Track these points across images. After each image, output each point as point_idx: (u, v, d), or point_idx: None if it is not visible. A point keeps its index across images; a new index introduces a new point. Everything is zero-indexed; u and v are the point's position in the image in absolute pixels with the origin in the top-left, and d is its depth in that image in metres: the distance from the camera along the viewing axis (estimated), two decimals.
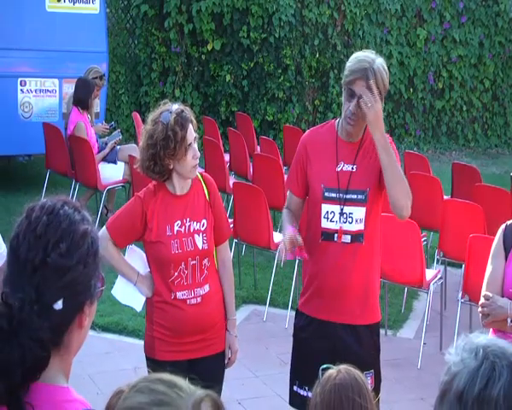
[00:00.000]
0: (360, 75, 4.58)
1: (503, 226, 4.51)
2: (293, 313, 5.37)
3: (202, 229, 4.73)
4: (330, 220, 4.77)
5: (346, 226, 4.75)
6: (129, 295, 4.87)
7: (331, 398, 3.00)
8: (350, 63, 4.71)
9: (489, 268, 4.45)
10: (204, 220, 4.75)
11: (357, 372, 3.10)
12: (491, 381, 1.78)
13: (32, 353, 2.00)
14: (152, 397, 1.63)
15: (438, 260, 8.99)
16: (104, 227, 4.78)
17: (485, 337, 1.92)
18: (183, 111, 4.63)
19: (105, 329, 7.85)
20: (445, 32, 17.25)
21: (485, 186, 9.98)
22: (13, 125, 12.28)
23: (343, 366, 3.11)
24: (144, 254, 4.83)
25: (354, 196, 4.75)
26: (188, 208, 4.74)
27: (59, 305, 2.05)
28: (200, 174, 4.92)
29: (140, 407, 1.62)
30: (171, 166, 4.62)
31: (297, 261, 8.34)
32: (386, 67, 4.72)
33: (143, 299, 4.81)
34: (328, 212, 4.78)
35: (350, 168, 4.76)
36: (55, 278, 2.05)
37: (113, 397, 1.72)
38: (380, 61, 4.69)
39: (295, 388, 4.96)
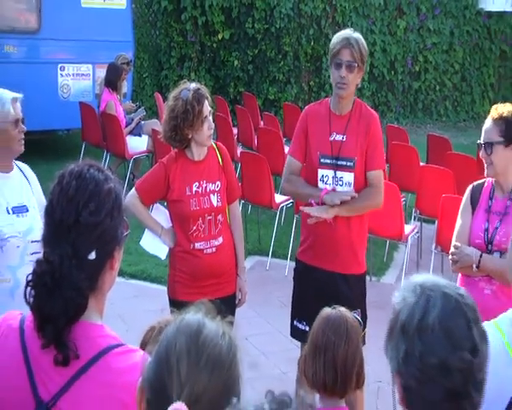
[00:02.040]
0: (344, 44, 4.66)
1: (470, 187, 4.53)
2: (292, 262, 5.41)
3: (217, 189, 4.75)
4: (325, 183, 4.81)
5: (339, 188, 4.78)
6: (155, 245, 4.91)
7: (321, 329, 3.11)
8: (334, 40, 4.77)
9: (458, 223, 4.46)
10: (218, 182, 4.77)
11: (346, 314, 3.16)
12: (427, 311, 1.79)
13: (73, 301, 2.02)
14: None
15: (415, 218, 8.99)
16: (133, 188, 4.82)
17: (423, 276, 1.92)
18: (199, 89, 4.65)
19: (132, 276, 7.90)
20: (421, 22, 17.20)
21: (455, 154, 10.02)
22: (54, 104, 12.26)
23: (340, 308, 3.17)
24: (167, 211, 4.84)
25: (344, 163, 4.77)
26: (204, 172, 4.74)
27: (92, 256, 2.06)
28: (215, 143, 4.92)
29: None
30: (190, 136, 4.62)
31: (295, 219, 8.41)
32: (361, 39, 4.78)
33: (167, 249, 4.86)
34: (323, 175, 4.82)
35: (340, 138, 4.78)
36: (87, 233, 2.06)
37: (147, 333, 1.72)
38: (357, 34, 4.79)
39: (295, 322, 5.06)
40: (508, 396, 2.37)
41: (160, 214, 4.90)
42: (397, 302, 1.88)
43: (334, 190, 4.76)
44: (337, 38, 4.75)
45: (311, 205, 4.77)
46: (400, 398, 1.84)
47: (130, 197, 4.72)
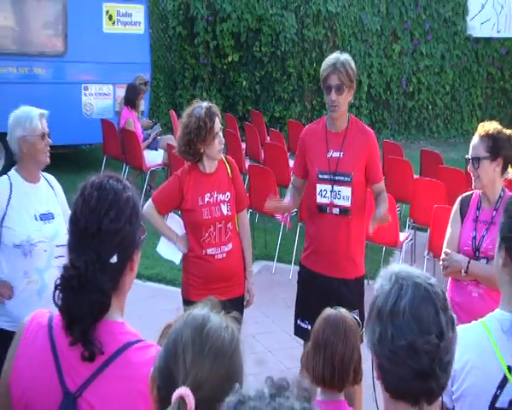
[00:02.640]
0: (331, 69, 4.67)
1: (459, 199, 4.54)
2: (296, 267, 5.42)
3: (227, 199, 4.75)
4: (323, 196, 4.83)
5: (336, 201, 4.80)
6: (170, 251, 4.92)
7: (321, 329, 3.13)
8: (323, 65, 4.79)
9: (448, 231, 4.48)
10: (228, 193, 4.77)
11: (345, 314, 3.19)
12: (399, 298, 1.82)
13: (98, 302, 2.04)
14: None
15: (409, 226, 8.98)
16: (150, 199, 4.82)
17: (399, 266, 1.95)
18: (211, 107, 4.66)
19: (149, 278, 7.91)
20: (414, 47, 17.18)
21: (446, 168, 9.99)
22: (78, 120, 12.30)
23: (340, 309, 3.20)
24: (181, 220, 4.85)
25: (342, 178, 4.78)
26: (215, 183, 4.74)
27: (114, 259, 2.07)
28: (225, 157, 4.93)
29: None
30: (202, 150, 4.63)
31: (298, 227, 8.41)
32: (350, 59, 4.80)
33: (181, 254, 4.86)
34: (321, 190, 4.83)
35: (338, 155, 4.80)
36: (108, 239, 2.07)
37: (165, 329, 1.72)
38: (345, 56, 4.79)
39: (298, 322, 5.09)
40: (492, 391, 2.37)
41: (175, 223, 4.90)
42: (376, 289, 1.91)
43: (332, 204, 4.80)
44: (325, 63, 4.77)
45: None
46: (377, 376, 1.88)
47: (148, 207, 4.71)
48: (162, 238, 4.90)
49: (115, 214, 2.08)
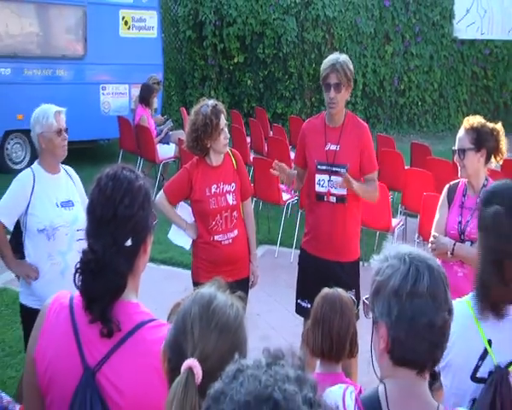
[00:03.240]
0: (330, 69, 4.65)
1: (446, 187, 4.55)
2: (297, 251, 5.42)
3: (232, 190, 4.75)
4: (322, 186, 4.82)
5: (333, 190, 4.79)
6: (180, 238, 4.91)
7: (320, 306, 3.15)
8: (323, 65, 4.76)
9: (437, 216, 4.50)
10: (233, 183, 4.76)
11: (342, 293, 3.21)
12: (418, 279, 1.83)
13: (115, 283, 2.06)
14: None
15: (400, 212, 8.98)
16: (162, 190, 4.82)
17: (406, 247, 1.96)
18: (216, 105, 4.65)
19: (162, 262, 7.91)
20: (405, 48, 17.15)
21: (435, 159, 9.95)
22: (96, 118, 12.35)
23: (338, 289, 3.22)
24: (190, 209, 4.83)
25: (338, 169, 4.76)
26: (221, 175, 4.73)
27: (129, 242, 2.08)
28: (231, 150, 4.92)
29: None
30: (209, 145, 4.62)
31: (299, 214, 8.41)
32: (348, 60, 4.77)
33: (190, 240, 4.85)
34: (320, 180, 4.83)
35: (335, 147, 4.79)
36: (123, 224, 2.07)
37: (174, 307, 1.73)
38: (343, 57, 4.76)
39: (299, 301, 5.09)
40: (474, 362, 2.39)
41: (184, 211, 4.91)
42: (386, 266, 1.91)
43: (329, 192, 4.79)
44: (325, 63, 4.74)
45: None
46: (384, 346, 1.87)
47: (159, 198, 4.73)
48: (173, 226, 4.89)
49: (129, 201, 2.08)
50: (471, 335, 1.96)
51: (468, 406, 2.23)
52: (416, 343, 1.83)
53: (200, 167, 4.72)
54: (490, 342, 2.37)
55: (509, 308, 2.43)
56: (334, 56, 4.77)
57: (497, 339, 2.37)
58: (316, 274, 4.81)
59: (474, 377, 2.38)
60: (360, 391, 1.98)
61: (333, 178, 4.76)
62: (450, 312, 1.86)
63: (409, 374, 1.88)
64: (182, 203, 4.97)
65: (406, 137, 16.18)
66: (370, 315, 1.96)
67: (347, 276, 4.78)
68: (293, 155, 9.69)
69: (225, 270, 4.47)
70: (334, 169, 4.76)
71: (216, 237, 4.70)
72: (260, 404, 1.08)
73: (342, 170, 4.73)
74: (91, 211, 2.11)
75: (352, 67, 4.76)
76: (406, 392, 1.88)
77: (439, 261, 2.01)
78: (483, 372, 2.36)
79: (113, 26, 12.49)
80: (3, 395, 2.75)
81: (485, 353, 2.37)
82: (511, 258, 2.37)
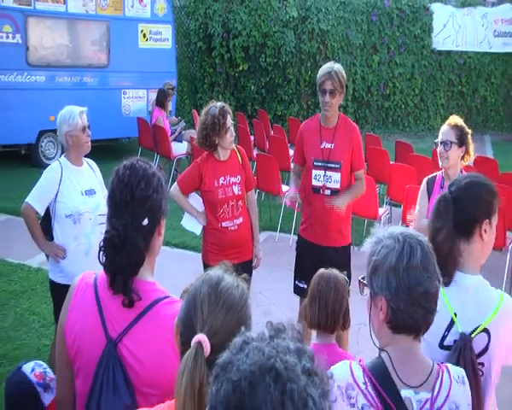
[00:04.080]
0: (326, 77, 4.65)
1: (425, 179, 4.62)
2: (295, 236, 5.40)
3: (238, 181, 4.73)
4: (318, 180, 4.81)
5: (328, 184, 4.80)
6: (192, 224, 4.89)
7: (316, 284, 3.15)
8: (319, 72, 4.74)
9: (418, 206, 4.56)
10: (238, 176, 4.75)
11: (336, 273, 3.20)
12: (413, 255, 1.85)
13: (134, 256, 2.07)
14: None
15: (386, 202, 8.96)
16: (175, 182, 4.83)
17: (398, 228, 1.98)
18: (224, 106, 4.64)
19: (176, 246, 7.89)
20: (390, 57, 17.11)
21: (416, 155, 9.99)
22: (118, 119, 12.38)
23: (332, 269, 3.23)
24: (201, 199, 4.81)
25: (333, 165, 4.76)
26: (228, 169, 4.72)
27: (145, 222, 2.09)
28: (236, 147, 4.90)
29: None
30: (217, 142, 4.61)
31: (296, 204, 8.36)
32: (342, 69, 4.75)
33: (201, 227, 4.84)
34: (316, 175, 4.82)
35: (329, 146, 4.78)
36: (140, 205, 2.09)
37: (186, 290, 1.72)
38: (338, 66, 4.74)
39: (297, 282, 5.08)
40: (442, 332, 2.40)
41: (196, 201, 4.88)
42: (382, 247, 1.92)
43: (324, 186, 4.78)
44: (322, 71, 4.73)
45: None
46: (384, 318, 1.89)
47: (174, 189, 4.74)
48: (186, 214, 4.87)
49: (145, 185, 2.09)
50: (440, 308, 1.97)
51: None
52: (414, 310, 1.85)
53: (209, 162, 4.71)
54: (456, 314, 2.38)
55: (463, 277, 2.44)
56: (329, 65, 4.75)
57: (462, 311, 2.38)
58: (312, 258, 4.80)
59: (441, 345, 2.40)
60: (363, 362, 1.97)
61: (328, 173, 4.76)
62: (439, 281, 1.89)
63: (407, 339, 1.90)
64: (193, 194, 4.93)
65: (391, 136, 16.15)
66: (365, 292, 1.98)
67: (340, 259, 4.76)
68: (291, 151, 9.75)
69: (231, 253, 4.49)
70: (328, 165, 4.76)
71: (223, 224, 4.69)
72: (264, 374, 1.07)
73: (336, 166, 4.75)
74: (112, 197, 2.12)
75: (344, 74, 4.75)
76: (407, 355, 1.91)
77: None
78: (449, 341, 2.38)
79: (132, 38, 12.50)
80: (48, 371, 2.76)
81: (452, 324, 2.38)
82: (439, 235, 2.40)
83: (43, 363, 2.82)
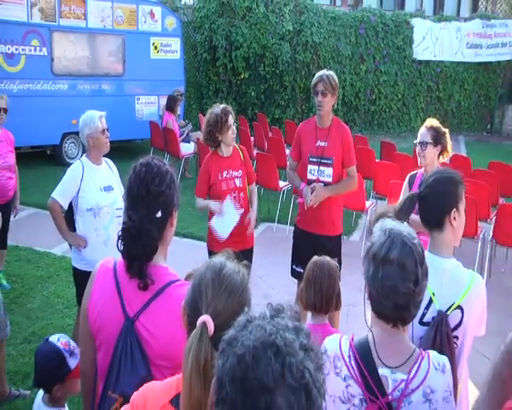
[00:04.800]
0: (318, 79, 4.68)
1: (408, 176, 4.64)
2: (292, 227, 5.39)
3: (239, 175, 4.72)
4: (312, 174, 4.80)
5: (321, 178, 4.78)
6: (222, 227, 4.65)
7: (311, 270, 3.14)
8: (314, 78, 4.76)
9: (402, 199, 4.54)
10: (240, 170, 4.74)
11: (329, 260, 3.19)
12: (391, 249, 1.82)
13: (149, 245, 2.07)
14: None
15: (372, 196, 8.95)
16: (195, 194, 4.75)
17: (391, 223, 1.94)
18: (226, 107, 4.67)
19: (184, 236, 7.86)
20: (376, 66, 17.07)
21: (399, 154, 9.99)
22: (133, 122, 12.31)
23: (325, 256, 3.22)
24: (232, 204, 4.66)
25: (325, 161, 4.75)
26: (230, 164, 4.71)
27: (159, 214, 2.09)
28: (239, 146, 4.89)
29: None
30: (220, 138, 4.63)
31: (292, 197, 8.40)
32: (334, 74, 4.77)
33: (229, 231, 4.62)
34: (311, 169, 4.80)
35: (323, 144, 4.77)
36: (154, 199, 2.08)
37: (191, 273, 1.72)
38: (329, 72, 4.78)
39: (293, 266, 5.06)
40: (421, 311, 2.39)
41: (228, 206, 4.67)
42: (373, 236, 1.91)
43: (318, 180, 4.75)
44: (316, 76, 4.76)
45: (301, 196, 4.84)
46: (368, 297, 1.89)
47: (197, 203, 4.72)
48: (215, 219, 4.66)
49: (158, 181, 2.09)
50: None
51: (416, 343, 2.24)
52: (383, 302, 1.83)
53: (214, 158, 4.71)
54: (434, 294, 2.39)
55: (439, 261, 2.47)
56: (322, 71, 4.80)
57: (439, 291, 2.39)
58: (306, 245, 4.79)
59: (421, 322, 2.41)
60: (352, 339, 1.98)
61: (321, 168, 4.75)
62: (416, 282, 1.81)
63: (386, 326, 1.88)
64: (227, 202, 4.67)
65: (377, 136, 16.11)
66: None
67: (333, 247, 4.75)
68: (287, 151, 9.76)
69: (233, 241, 4.45)
70: (322, 161, 4.75)
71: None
72: (266, 348, 1.08)
73: (329, 161, 4.74)
74: (129, 191, 2.11)
75: (336, 79, 4.75)
76: (388, 338, 1.89)
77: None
78: (428, 318, 2.39)
79: (145, 50, 12.44)
80: (72, 341, 2.89)
81: (430, 302, 2.39)
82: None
83: (66, 336, 2.92)
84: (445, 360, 1.91)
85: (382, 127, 17.64)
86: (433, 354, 1.92)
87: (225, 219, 4.64)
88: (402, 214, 2.48)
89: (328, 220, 4.82)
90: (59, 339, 2.85)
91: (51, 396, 2.84)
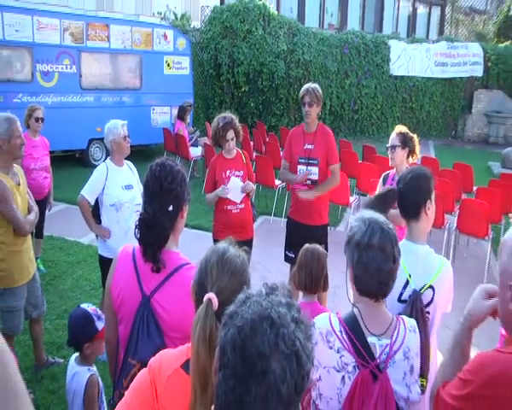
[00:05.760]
0: (305, 92, 4.68)
1: (382, 175, 4.70)
2: (285, 219, 5.35)
3: (241, 175, 4.71)
4: (301, 173, 4.79)
5: (309, 176, 4.76)
6: (234, 194, 4.64)
7: (303, 255, 3.14)
8: (301, 90, 4.75)
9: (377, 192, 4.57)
10: (241, 171, 4.73)
11: (318, 247, 3.20)
12: (373, 236, 1.84)
13: (162, 234, 2.07)
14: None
15: (355, 192, 8.93)
16: (203, 191, 4.74)
17: (367, 213, 1.95)
18: (226, 122, 4.59)
19: (193, 227, 7.83)
20: (358, 81, 16.98)
21: (378, 156, 9.94)
22: (149, 129, 12.25)
23: (315, 244, 3.22)
24: (239, 180, 4.67)
25: (312, 162, 4.76)
26: (233, 165, 4.70)
27: (171, 208, 2.08)
28: (242, 151, 4.88)
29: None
30: (221, 144, 4.64)
31: (286, 194, 8.38)
32: (317, 86, 4.75)
33: (241, 196, 4.65)
34: (300, 169, 4.81)
35: (310, 147, 4.78)
36: (167, 195, 2.07)
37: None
38: (314, 85, 4.76)
39: (286, 252, 5.06)
40: (399, 290, 2.41)
41: (234, 181, 4.66)
42: (353, 226, 1.92)
43: (307, 173, 4.73)
44: (303, 89, 4.77)
45: (298, 188, 4.80)
46: (351, 279, 1.91)
47: (207, 198, 4.73)
48: (230, 185, 4.64)
49: (171, 179, 2.08)
50: (399, 272, 2.00)
51: None
52: (369, 281, 1.85)
53: (219, 159, 4.72)
54: (410, 275, 2.41)
55: (414, 247, 2.49)
56: (308, 85, 4.79)
57: (414, 273, 2.41)
58: (298, 234, 4.79)
59: (399, 300, 2.42)
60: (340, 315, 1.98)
61: (309, 167, 4.75)
62: (394, 261, 1.85)
63: (369, 301, 1.90)
64: (232, 179, 4.68)
65: (359, 141, 16.06)
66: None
67: (320, 235, 4.75)
68: (281, 153, 9.73)
69: (234, 231, 4.44)
70: (309, 161, 4.76)
71: (229, 207, 4.66)
72: (262, 321, 1.08)
73: (315, 162, 4.72)
74: (146, 187, 2.11)
75: (320, 91, 4.75)
76: (372, 310, 1.91)
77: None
78: (405, 296, 2.41)
79: (159, 67, 12.37)
80: (98, 309, 2.97)
81: (407, 283, 2.40)
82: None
83: (94, 305, 2.99)
84: (414, 322, 1.96)
85: (364, 133, 17.60)
86: (405, 318, 1.96)
87: (234, 190, 4.63)
88: (382, 203, 2.49)
89: (315, 212, 4.82)
90: (88, 306, 2.95)
91: (82, 354, 2.90)
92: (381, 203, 2.51)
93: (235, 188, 4.64)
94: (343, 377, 1.85)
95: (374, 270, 1.83)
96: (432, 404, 1.64)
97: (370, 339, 1.87)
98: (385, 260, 1.82)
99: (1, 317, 3.86)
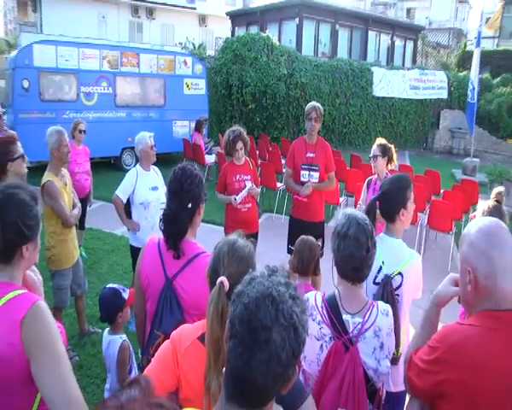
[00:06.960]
0: (312, 109, 4.62)
1: (367, 180, 4.59)
2: (287, 216, 5.32)
3: (248, 179, 4.66)
4: (304, 177, 4.76)
5: (311, 179, 4.73)
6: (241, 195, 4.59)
7: (298, 244, 3.14)
8: (307, 107, 4.70)
9: (361, 197, 4.56)
10: (249, 175, 4.68)
11: (312, 238, 3.18)
12: (350, 228, 1.83)
13: (182, 226, 2.06)
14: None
15: (344, 194, 8.90)
16: (216, 190, 4.70)
17: (350, 209, 1.94)
18: (236, 136, 4.55)
19: (208, 222, 7.76)
20: (346, 100, 16.87)
21: (364, 164, 9.86)
22: (171, 140, 12.23)
23: (309, 237, 3.20)
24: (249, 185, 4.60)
25: (314, 168, 4.72)
26: (242, 170, 4.66)
27: (189, 205, 2.06)
28: (250, 159, 4.83)
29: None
30: (232, 154, 4.60)
31: (287, 195, 8.35)
32: (320, 106, 4.71)
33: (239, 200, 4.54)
34: (303, 174, 4.76)
35: (312, 155, 4.73)
36: (186, 194, 2.05)
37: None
38: (318, 104, 4.70)
39: (289, 246, 5.00)
40: (375, 274, 2.39)
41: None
42: (338, 220, 1.92)
43: (309, 181, 4.71)
44: (309, 106, 4.70)
45: (298, 194, 4.78)
46: (334, 264, 1.90)
47: (218, 195, 4.67)
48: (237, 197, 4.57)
49: (190, 181, 2.07)
50: (375, 259, 2.01)
51: (370, 297, 2.26)
52: (345, 266, 1.84)
53: (230, 165, 4.68)
54: (383, 262, 2.40)
55: (389, 239, 2.47)
56: (313, 103, 4.74)
57: (387, 260, 2.41)
58: (299, 229, 4.70)
59: (374, 282, 2.41)
60: (324, 294, 1.99)
61: (311, 173, 4.71)
62: (367, 251, 1.82)
63: (347, 284, 1.89)
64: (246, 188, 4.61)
65: (347, 151, 15.89)
66: None
67: (317, 230, 4.71)
68: (283, 160, 9.70)
69: (243, 226, 4.39)
70: (311, 167, 4.73)
71: (238, 206, 4.63)
72: (264, 298, 1.08)
73: (316, 168, 4.69)
74: (169, 187, 2.10)
75: (322, 109, 4.72)
76: (350, 292, 1.90)
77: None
78: (379, 279, 2.40)
79: (180, 88, 12.36)
80: (124, 287, 2.92)
81: (380, 268, 2.40)
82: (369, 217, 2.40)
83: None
84: (388, 307, 1.94)
85: (351, 144, 17.49)
86: (380, 303, 1.95)
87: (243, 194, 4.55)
88: (369, 212, 2.45)
89: (313, 210, 4.79)
90: (113, 284, 2.96)
91: (114, 324, 2.89)
92: (368, 214, 2.49)
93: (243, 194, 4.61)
94: (321, 346, 1.86)
95: (348, 256, 1.82)
96: (406, 367, 1.64)
97: (345, 316, 1.86)
98: (357, 249, 1.81)
99: (53, 293, 3.95)
